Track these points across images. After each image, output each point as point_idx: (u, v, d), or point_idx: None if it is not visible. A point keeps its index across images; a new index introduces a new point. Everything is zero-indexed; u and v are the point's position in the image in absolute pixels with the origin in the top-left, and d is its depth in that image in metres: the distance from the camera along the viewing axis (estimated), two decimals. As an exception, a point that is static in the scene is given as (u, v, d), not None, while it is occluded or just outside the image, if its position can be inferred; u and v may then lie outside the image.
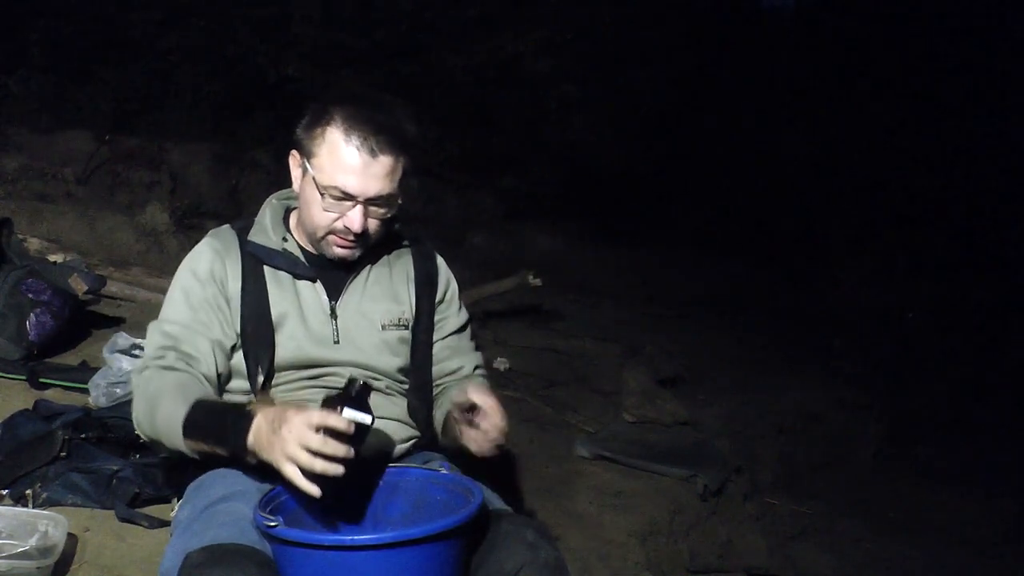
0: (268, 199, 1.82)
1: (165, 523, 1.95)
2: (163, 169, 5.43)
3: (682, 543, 3.11)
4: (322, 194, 1.65)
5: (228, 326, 1.70)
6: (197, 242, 1.80)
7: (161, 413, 1.56)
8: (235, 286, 1.71)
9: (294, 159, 1.72)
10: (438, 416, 1.83)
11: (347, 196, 1.64)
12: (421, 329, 1.83)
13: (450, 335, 1.89)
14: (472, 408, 1.60)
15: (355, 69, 6.76)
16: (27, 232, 3.93)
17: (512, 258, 6.37)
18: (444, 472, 1.64)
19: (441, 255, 1.94)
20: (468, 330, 1.94)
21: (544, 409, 3.77)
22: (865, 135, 8.78)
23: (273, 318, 1.71)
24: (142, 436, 1.66)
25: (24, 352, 2.87)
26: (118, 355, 2.65)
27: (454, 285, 1.92)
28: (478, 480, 1.61)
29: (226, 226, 1.81)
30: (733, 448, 3.89)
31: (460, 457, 1.76)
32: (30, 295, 2.91)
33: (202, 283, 1.71)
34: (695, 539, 3.21)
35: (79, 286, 3.13)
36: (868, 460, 5.25)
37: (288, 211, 1.82)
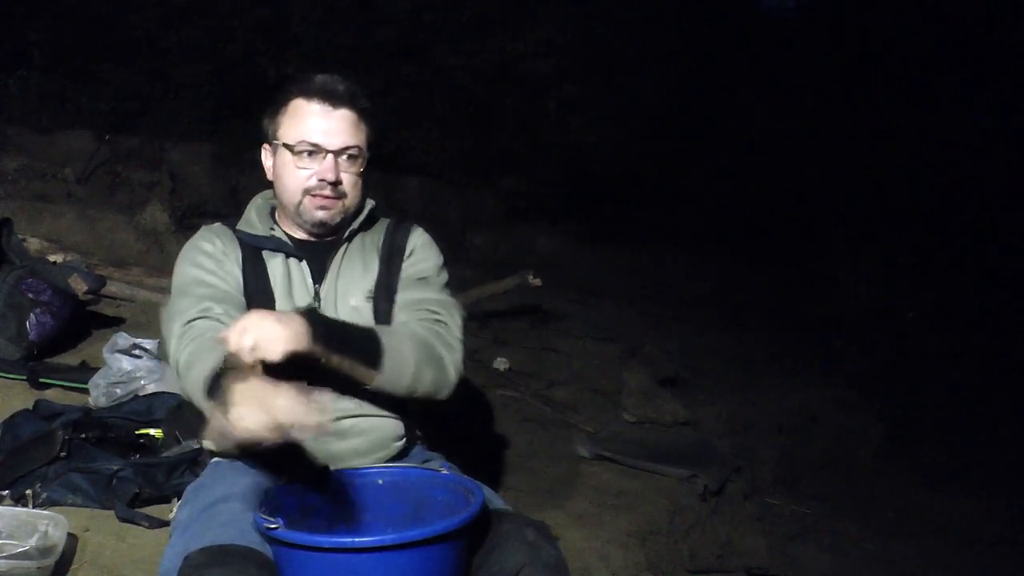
0: (253, 199, 1.87)
1: (165, 523, 1.95)
2: (163, 169, 5.42)
3: (682, 543, 3.11)
4: (294, 153, 1.72)
5: (239, 292, 1.74)
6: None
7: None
8: (236, 269, 1.76)
9: (265, 151, 1.80)
10: None
11: (316, 148, 1.72)
12: (380, 297, 1.79)
13: (406, 290, 1.80)
14: None
15: (355, 69, 6.75)
16: (27, 232, 3.92)
17: (512, 258, 6.37)
18: (445, 472, 1.63)
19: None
20: (430, 279, 1.82)
21: (544, 409, 3.77)
22: (865, 135, 8.78)
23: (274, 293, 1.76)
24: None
25: (24, 352, 2.87)
26: (118, 355, 2.65)
27: (424, 245, 1.85)
28: (478, 480, 1.61)
29: (216, 223, 1.86)
30: (733, 448, 3.90)
31: (460, 457, 1.76)
32: (30, 295, 2.91)
33: (210, 256, 1.75)
34: (695, 539, 3.20)
35: (79, 286, 3.12)
36: (868, 460, 5.25)
37: (273, 209, 1.85)
